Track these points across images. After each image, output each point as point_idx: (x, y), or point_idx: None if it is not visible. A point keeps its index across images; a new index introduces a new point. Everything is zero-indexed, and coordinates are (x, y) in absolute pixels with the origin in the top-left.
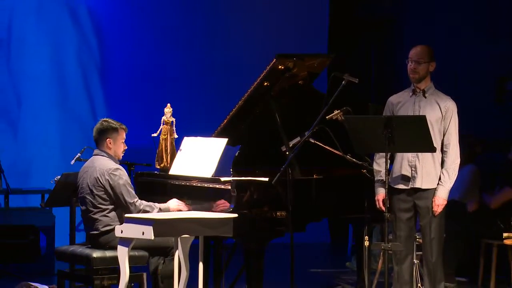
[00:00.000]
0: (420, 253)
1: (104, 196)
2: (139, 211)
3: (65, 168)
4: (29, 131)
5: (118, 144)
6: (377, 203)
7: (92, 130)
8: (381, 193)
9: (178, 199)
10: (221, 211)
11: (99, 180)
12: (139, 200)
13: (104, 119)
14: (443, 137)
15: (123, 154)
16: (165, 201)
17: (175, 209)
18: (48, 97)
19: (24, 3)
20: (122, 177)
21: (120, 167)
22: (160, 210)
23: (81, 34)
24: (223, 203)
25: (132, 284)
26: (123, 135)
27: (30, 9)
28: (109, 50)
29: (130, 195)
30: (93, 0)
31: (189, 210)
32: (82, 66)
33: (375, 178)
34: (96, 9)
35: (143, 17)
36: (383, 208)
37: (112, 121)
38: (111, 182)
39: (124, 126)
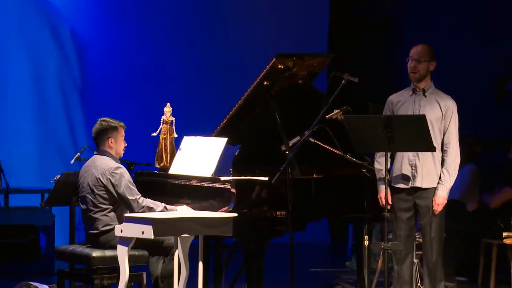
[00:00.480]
0: (420, 252)
1: (105, 195)
2: (142, 208)
3: (65, 167)
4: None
5: (119, 142)
6: (380, 200)
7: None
8: (383, 191)
9: (170, 200)
10: (221, 208)
11: (100, 179)
12: (142, 197)
13: (102, 118)
14: (443, 136)
15: (124, 151)
16: (164, 201)
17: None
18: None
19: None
20: (123, 175)
21: (122, 166)
22: (166, 209)
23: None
24: (223, 203)
25: (132, 284)
26: (122, 133)
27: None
28: (107, 49)
29: (132, 193)
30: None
31: None
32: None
33: (377, 177)
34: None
35: (143, 17)
36: (387, 205)
37: (111, 120)
38: (112, 181)
39: (122, 124)
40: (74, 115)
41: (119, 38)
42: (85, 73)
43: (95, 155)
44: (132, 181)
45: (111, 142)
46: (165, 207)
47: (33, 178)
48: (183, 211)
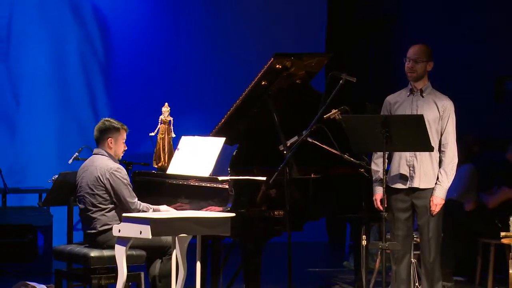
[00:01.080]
0: (418, 252)
1: (104, 195)
2: (138, 212)
3: (63, 167)
4: (27, 130)
5: (119, 144)
6: (375, 202)
7: (92, 130)
8: (379, 193)
9: (169, 200)
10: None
11: (99, 179)
12: (139, 201)
13: (106, 118)
14: (441, 136)
15: (122, 155)
16: (162, 201)
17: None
18: (48, 97)
19: (23, 1)
20: (123, 176)
21: (121, 166)
22: (154, 211)
23: (84, 33)
24: (221, 203)
25: (130, 284)
26: (124, 135)
27: (31, 5)
28: (111, 50)
29: (130, 195)
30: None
31: (177, 210)
32: (84, 65)
33: (373, 178)
34: (99, 9)
35: (141, 17)
36: (381, 208)
37: (114, 121)
38: (111, 182)
39: (125, 127)
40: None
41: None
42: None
43: (94, 155)
44: (130, 182)
45: (111, 143)
46: (153, 209)
47: (31, 178)
48: (163, 209)
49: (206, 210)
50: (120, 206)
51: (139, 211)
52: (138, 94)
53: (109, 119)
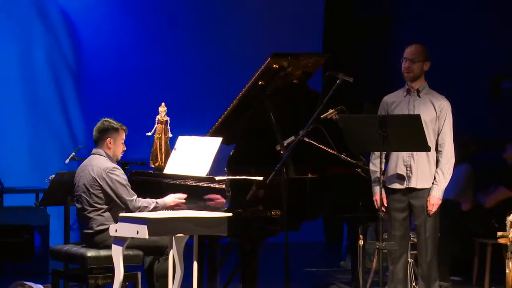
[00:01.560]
0: (415, 252)
1: (101, 195)
2: (137, 208)
3: (60, 167)
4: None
5: (118, 144)
6: (375, 203)
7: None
8: (378, 193)
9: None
10: (215, 205)
11: (96, 179)
12: (138, 198)
13: (105, 118)
14: (438, 136)
15: (121, 155)
16: None
17: (171, 203)
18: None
19: None
20: (119, 176)
21: (117, 166)
22: (157, 205)
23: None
24: (217, 197)
25: (127, 284)
26: (123, 136)
27: None
28: (100, 49)
29: (129, 193)
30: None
31: (174, 209)
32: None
33: (372, 178)
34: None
35: (136, 15)
36: (383, 208)
37: (113, 121)
38: (108, 181)
39: (124, 127)
40: (71, 111)
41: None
42: (80, 63)
43: (92, 155)
44: (128, 182)
45: (110, 143)
46: (156, 202)
47: (27, 178)
48: (169, 199)
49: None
50: (118, 206)
51: (139, 207)
52: (135, 93)
53: (108, 119)
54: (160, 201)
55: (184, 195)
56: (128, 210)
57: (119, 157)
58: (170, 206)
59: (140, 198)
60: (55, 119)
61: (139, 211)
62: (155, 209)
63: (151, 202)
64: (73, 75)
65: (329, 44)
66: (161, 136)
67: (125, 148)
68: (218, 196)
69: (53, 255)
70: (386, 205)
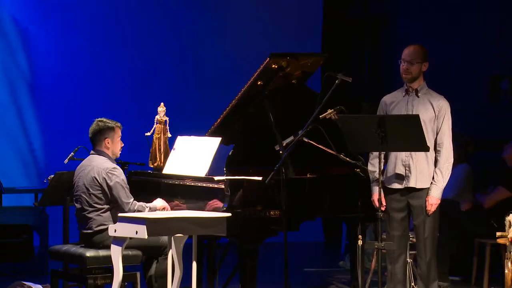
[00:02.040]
0: (414, 252)
1: (100, 195)
2: (133, 212)
3: (59, 167)
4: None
5: (116, 143)
6: (373, 203)
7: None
8: (376, 193)
9: (164, 200)
10: (214, 209)
11: (96, 179)
12: (135, 201)
13: (99, 119)
14: (436, 136)
15: (120, 151)
16: None
17: (160, 207)
18: None
19: None
20: (119, 176)
21: (117, 166)
22: (150, 209)
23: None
24: (214, 202)
25: (126, 284)
26: (119, 133)
27: None
28: (102, 48)
29: (126, 196)
30: None
31: (173, 209)
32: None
33: (371, 178)
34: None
35: (137, 15)
36: (382, 208)
37: (107, 120)
38: (108, 182)
39: (119, 124)
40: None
41: (108, 36)
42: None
43: (91, 155)
44: (126, 183)
45: (108, 143)
46: (149, 208)
47: (26, 178)
48: (158, 203)
49: (211, 203)
50: (116, 207)
51: (134, 211)
52: (134, 93)
53: (102, 119)
54: (151, 205)
55: (169, 207)
56: (125, 211)
57: (118, 154)
58: (160, 209)
59: (135, 201)
60: (55, 119)
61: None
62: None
63: (144, 206)
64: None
65: (327, 44)
66: (160, 136)
67: (123, 144)
68: (217, 196)
69: (52, 255)
70: (385, 204)
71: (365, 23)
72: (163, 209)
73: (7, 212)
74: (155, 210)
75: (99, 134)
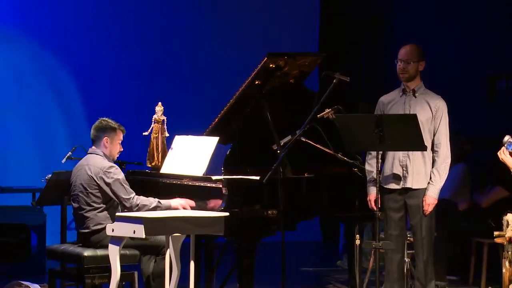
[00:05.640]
0: (411, 251)
1: (98, 194)
2: (136, 206)
3: (56, 166)
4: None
5: (115, 144)
6: (369, 203)
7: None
8: (372, 193)
9: (163, 195)
10: (211, 208)
11: (93, 178)
12: (136, 196)
13: (103, 118)
14: (434, 136)
15: (118, 156)
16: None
17: (176, 206)
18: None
19: None
20: (117, 174)
21: (114, 165)
22: (160, 204)
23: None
24: (214, 197)
25: (124, 283)
26: (120, 136)
27: None
28: (99, 47)
29: (126, 192)
30: None
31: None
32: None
33: (367, 178)
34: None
35: (135, 15)
36: (375, 208)
37: (111, 121)
38: (106, 180)
39: (122, 128)
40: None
41: (109, 36)
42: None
43: (88, 154)
44: (125, 179)
45: (106, 142)
46: (158, 202)
47: (24, 177)
48: (174, 203)
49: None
50: (113, 205)
51: (137, 205)
52: (131, 93)
53: (106, 118)
54: (165, 202)
55: (192, 203)
56: (126, 208)
57: (115, 158)
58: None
59: (141, 196)
60: (52, 118)
61: (138, 209)
62: (155, 208)
63: (152, 201)
64: (72, 73)
65: (325, 44)
66: (158, 135)
67: (122, 149)
68: (214, 195)
69: (49, 255)
70: (379, 206)
71: (363, 22)
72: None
73: (4, 212)
74: (169, 207)
75: (99, 131)
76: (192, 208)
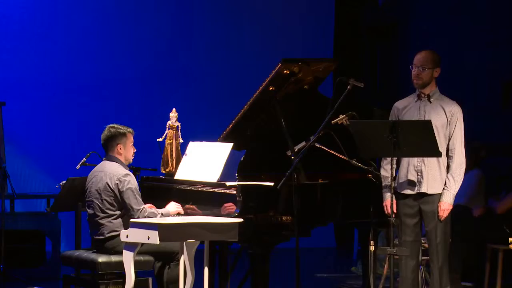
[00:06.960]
0: (426, 257)
1: (112, 201)
2: (143, 218)
3: (71, 172)
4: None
5: (128, 148)
6: (385, 208)
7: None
8: (388, 199)
9: (175, 202)
10: (228, 213)
11: (109, 185)
12: (145, 208)
13: (111, 125)
14: (449, 142)
15: (133, 157)
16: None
17: (174, 212)
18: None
19: None
20: (131, 183)
21: (130, 173)
22: (162, 215)
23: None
24: (230, 205)
25: None
26: (131, 139)
27: None
28: (115, 54)
29: (137, 202)
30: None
31: (186, 212)
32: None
33: (383, 184)
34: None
35: (147, 20)
36: (392, 215)
37: (119, 126)
38: (120, 188)
39: (131, 130)
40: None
41: (124, 42)
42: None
43: (104, 161)
44: (138, 190)
45: (120, 148)
46: (161, 214)
47: (39, 184)
48: (171, 208)
49: (226, 205)
50: (127, 213)
51: (144, 218)
52: (146, 99)
53: (113, 125)
54: (163, 210)
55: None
56: (135, 218)
57: (131, 160)
58: (174, 214)
59: (146, 208)
60: (67, 125)
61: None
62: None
63: (156, 213)
64: (85, 79)
65: (339, 50)
66: (172, 141)
67: (135, 150)
68: (229, 201)
69: (64, 261)
70: (395, 211)
71: (377, 28)
72: (178, 214)
73: (19, 218)
74: (168, 215)
75: (111, 140)
76: (204, 214)
